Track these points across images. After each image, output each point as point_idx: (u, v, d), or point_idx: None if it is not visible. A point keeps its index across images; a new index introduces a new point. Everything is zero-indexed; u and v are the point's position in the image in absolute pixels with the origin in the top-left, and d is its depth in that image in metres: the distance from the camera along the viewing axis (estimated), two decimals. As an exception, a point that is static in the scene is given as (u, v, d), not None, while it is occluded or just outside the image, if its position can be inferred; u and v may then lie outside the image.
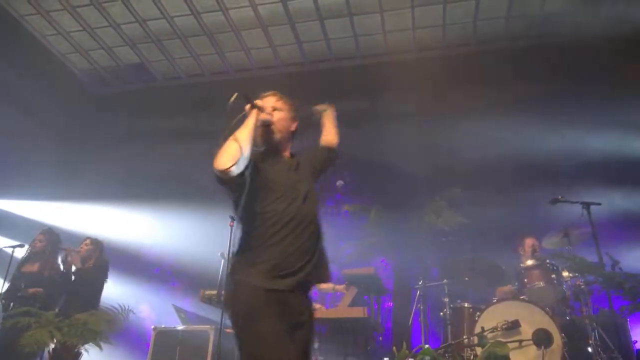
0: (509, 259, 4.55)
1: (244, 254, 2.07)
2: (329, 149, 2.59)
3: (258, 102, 2.18)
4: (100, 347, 3.90)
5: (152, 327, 4.59)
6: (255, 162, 2.10)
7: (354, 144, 5.97)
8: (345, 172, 5.94)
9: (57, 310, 4.28)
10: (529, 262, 4.32)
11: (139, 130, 7.22)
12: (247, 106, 2.14)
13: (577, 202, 4.00)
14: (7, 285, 4.51)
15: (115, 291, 4.80)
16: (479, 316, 3.96)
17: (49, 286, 4.45)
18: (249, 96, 2.15)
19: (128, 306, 4.13)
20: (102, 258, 4.74)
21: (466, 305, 4.24)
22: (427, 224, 5.25)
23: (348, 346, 4.25)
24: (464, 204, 5.27)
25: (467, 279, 4.37)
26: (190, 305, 5.23)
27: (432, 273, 4.72)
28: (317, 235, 2.14)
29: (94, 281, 4.60)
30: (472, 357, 3.84)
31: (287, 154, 2.31)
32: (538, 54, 5.74)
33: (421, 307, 4.40)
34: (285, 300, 1.95)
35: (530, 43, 5.97)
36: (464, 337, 4.02)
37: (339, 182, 5.75)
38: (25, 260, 4.62)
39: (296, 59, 6.73)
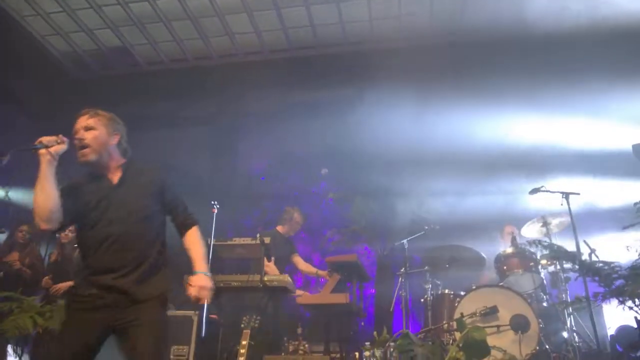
0: (489, 247, 4.63)
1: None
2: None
3: (42, 139, 2.13)
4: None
5: (136, 313, 4.57)
6: (69, 192, 2.19)
7: (339, 132, 6.00)
8: (330, 160, 5.96)
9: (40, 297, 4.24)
10: (508, 250, 4.41)
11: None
12: (33, 151, 2.11)
13: (556, 192, 4.08)
14: None
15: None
16: (458, 302, 4.03)
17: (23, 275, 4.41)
18: (25, 146, 2.13)
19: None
20: None
21: (446, 291, 4.32)
22: (409, 213, 5.31)
23: (331, 331, 4.30)
24: (446, 192, 5.33)
25: (447, 266, 4.44)
26: (174, 291, 5.21)
27: (414, 261, 4.78)
28: (130, 251, 2.17)
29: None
30: (451, 341, 3.92)
31: (109, 170, 2.29)
32: (522, 45, 5.78)
33: (403, 294, 4.47)
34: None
35: (514, 33, 5.99)
36: (444, 322, 4.10)
37: (324, 170, 5.77)
38: (4, 248, 4.57)
39: (281, 45, 6.65)
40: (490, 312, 3.83)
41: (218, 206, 3.85)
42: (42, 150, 2.09)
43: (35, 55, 6.73)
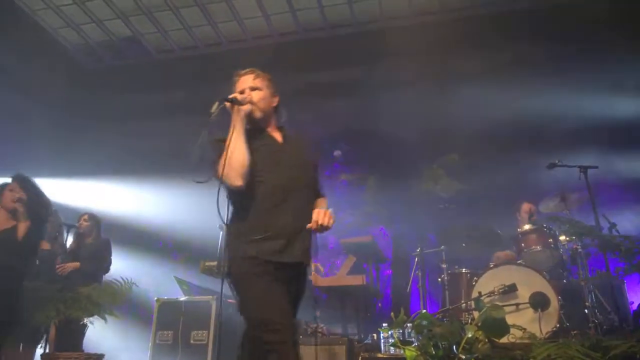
0: (506, 225, 4.57)
1: (234, 228, 2.18)
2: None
3: (236, 95, 2.17)
4: (105, 319, 3.98)
5: (155, 298, 4.68)
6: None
7: (351, 113, 5.93)
8: (343, 141, 5.91)
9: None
10: (526, 227, 4.34)
11: (135, 104, 7.14)
12: (228, 105, 2.14)
13: (574, 166, 3.98)
14: None
15: (118, 265, 4.86)
16: (476, 281, 4.00)
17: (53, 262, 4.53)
18: (227, 97, 2.14)
19: (131, 279, 4.19)
20: (100, 235, 4.79)
21: (464, 270, 4.28)
22: (424, 192, 5.25)
23: (348, 313, 4.34)
24: (461, 170, 5.25)
25: (464, 245, 4.40)
26: (192, 276, 5.30)
27: (430, 240, 4.75)
28: (305, 205, 2.14)
29: (95, 257, 4.66)
30: (469, 321, 3.90)
31: (271, 128, 2.31)
32: (536, 17, 5.59)
33: (419, 274, 4.46)
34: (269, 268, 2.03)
35: (528, 6, 5.80)
36: (462, 301, 4.08)
37: (337, 152, 5.73)
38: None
39: (290, 28, 6.58)
40: (509, 290, 3.79)
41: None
42: (237, 107, 2.13)
43: (47, 48, 6.80)
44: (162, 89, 7.00)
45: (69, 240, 4.86)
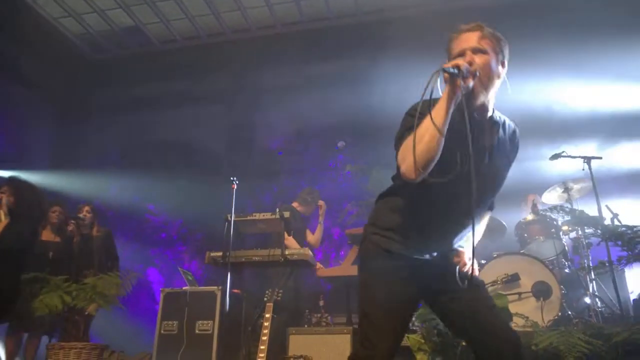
0: (510, 215, 4.59)
1: (382, 207, 1.83)
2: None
3: (458, 63, 1.51)
4: (109, 309, 4.01)
5: (161, 289, 4.72)
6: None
7: (355, 104, 5.92)
8: (347, 132, 5.91)
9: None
10: (529, 217, 4.37)
11: (138, 95, 7.14)
12: (446, 77, 1.53)
13: (578, 157, 3.99)
14: None
15: (123, 256, 4.90)
16: (480, 270, 4.03)
17: (61, 255, 4.56)
18: (445, 68, 1.50)
19: (135, 270, 4.23)
20: (102, 227, 4.81)
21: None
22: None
23: (352, 302, 4.37)
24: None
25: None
26: (197, 267, 5.35)
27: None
28: (467, 222, 1.65)
29: (109, 247, 4.69)
30: (472, 309, 3.95)
31: (484, 115, 1.70)
32: (536, 6, 5.56)
33: (423, 264, 4.48)
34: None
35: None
36: (466, 290, 4.11)
37: (341, 143, 5.72)
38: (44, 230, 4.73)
39: (294, 18, 6.55)
40: (512, 280, 3.83)
41: (237, 182, 3.88)
42: (456, 79, 1.49)
43: (48, 38, 6.77)
44: (164, 79, 6.99)
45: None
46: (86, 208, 4.77)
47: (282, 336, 3.90)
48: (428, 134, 1.50)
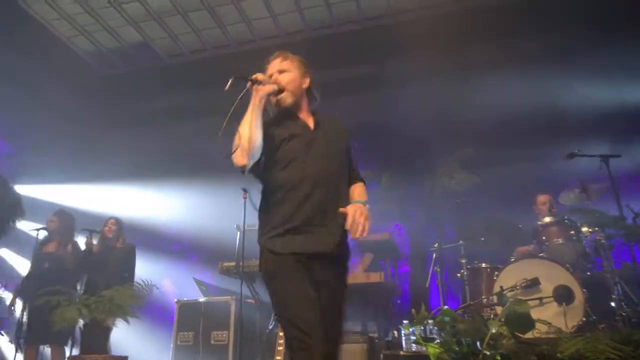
0: (526, 218, 4.49)
1: (262, 220, 2.10)
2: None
3: (257, 75, 2.08)
4: (127, 321, 4.01)
5: (175, 300, 4.71)
6: (267, 130, 2.05)
7: (363, 109, 5.88)
8: (354, 138, 5.86)
9: (79, 288, 4.41)
10: (547, 219, 4.26)
11: (148, 108, 7.23)
12: (248, 84, 2.04)
13: (595, 156, 3.88)
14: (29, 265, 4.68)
15: (138, 268, 4.90)
16: (497, 276, 3.94)
17: (65, 265, 4.58)
18: (245, 74, 2.05)
19: (151, 281, 4.23)
20: (127, 241, 4.86)
21: (483, 265, 4.22)
22: (440, 187, 5.19)
23: (367, 310, 4.31)
24: (477, 163, 5.17)
25: (483, 239, 4.34)
26: (210, 277, 5.33)
27: (448, 235, 4.69)
28: (334, 196, 2.03)
29: (127, 260, 4.72)
30: (492, 316, 3.84)
31: (303, 114, 2.21)
32: (546, 6, 5.47)
33: (438, 270, 4.41)
34: (301, 263, 1.92)
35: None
36: (483, 297, 4.02)
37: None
38: (43, 241, 4.76)
39: (297, 27, 6.55)
40: (532, 285, 3.73)
41: (248, 192, 3.87)
42: (257, 86, 2.04)
43: (62, 57, 6.88)
44: (173, 92, 7.05)
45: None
46: (111, 221, 4.84)
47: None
48: (245, 125, 1.99)
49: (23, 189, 6.73)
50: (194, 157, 6.49)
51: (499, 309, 3.68)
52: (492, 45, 5.53)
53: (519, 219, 4.43)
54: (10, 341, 4.46)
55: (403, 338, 3.83)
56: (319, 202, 2.00)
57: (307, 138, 2.10)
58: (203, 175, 6.09)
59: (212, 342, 4.43)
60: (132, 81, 7.31)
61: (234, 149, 1.98)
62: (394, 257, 4.46)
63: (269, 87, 2.08)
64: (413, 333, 3.76)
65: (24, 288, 4.52)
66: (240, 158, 1.98)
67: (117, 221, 4.92)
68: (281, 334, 3.64)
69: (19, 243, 5.46)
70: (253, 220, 4.11)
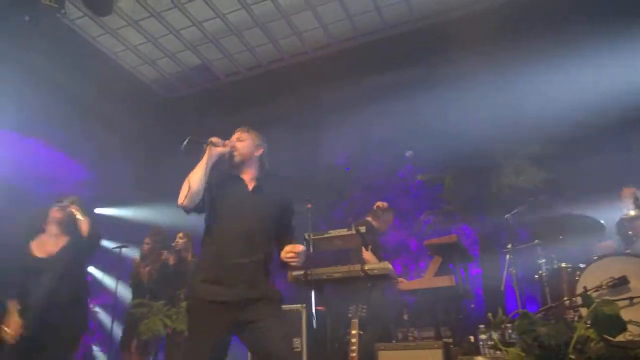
0: (607, 212, 4.19)
1: (198, 265, 2.53)
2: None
3: (213, 139, 2.49)
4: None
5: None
6: (211, 185, 2.46)
7: (419, 112, 5.79)
8: (413, 141, 5.78)
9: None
10: (632, 213, 3.96)
11: (207, 127, 7.52)
12: (205, 145, 2.46)
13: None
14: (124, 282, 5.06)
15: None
16: (579, 275, 3.71)
17: (158, 280, 4.87)
18: (197, 138, 2.48)
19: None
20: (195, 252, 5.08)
21: (563, 265, 3.99)
22: (507, 186, 4.97)
23: (439, 315, 4.21)
24: (547, 159, 4.90)
25: (561, 237, 4.10)
26: (280, 286, 5.43)
27: (520, 235, 4.47)
28: (254, 251, 2.38)
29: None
30: (576, 318, 3.62)
31: (247, 176, 2.56)
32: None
33: (513, 271, 4.21)
34: (215, 309, 2.27)
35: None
36: (565, 298, 3.80)
37: (409, 153, 5.62)
38: (140, 261, 5.15)
39: (348, 34, 6.62)
40: (619, 283, 3.46)
41: (312, 202, 3.92)
42: (210, 147, 2.47)
43: (128, 85, 7.38)
44: (231, 109, 7.33)
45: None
46: (179, 234, 5.11)
47: (369, 352, 3.83)
48: (192, 173, 2.42)
49: (103, 211, 7.34)
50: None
51: (583, 311, 3.45)
52: (553, 34, 5.23)
53: (600, 214, 4.14)
54: (102, 351, 4.79)
55: (480, 343, 3.71)
56: (234, 259, 2.34)
57: (242, 197, 2.48)
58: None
59: (287, 350, 4.49)
60: (192, 103, 7.69)
61: (181, 192, 2.39)
62: (464, 260, 4.33)
63: (221, 149, 2.50)
64: (490, 338, 3.62)
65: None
66: (181, 198, 2.38)
67: (185, 234, 5.15)
68: (353, 340, 3.64)
69: (103, 261, 5.88)
70: (319, 229, 4.17)
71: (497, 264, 4.32)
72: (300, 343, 4.39)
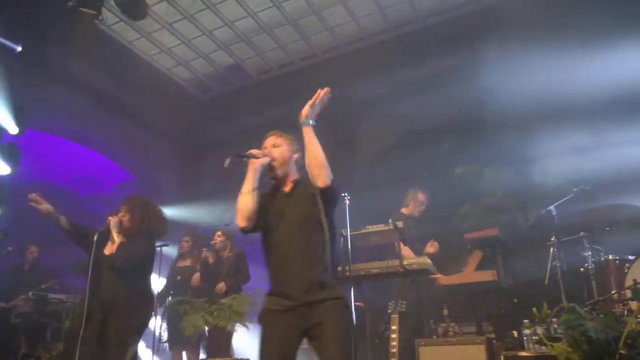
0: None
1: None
2: (320, 190, 2.41)
3: (252, 151, 2.48)
4: (246, 326, 4.29)
5: (287, 305, 4.92)
6: (264, 204, 2.43)
7: (457, 101, 5.67)
8: (452, 132, 5.67)
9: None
10: (687, 202, 3.77)
11: (241, 126, 7.63)
12: (245, 159, 2.44)
13: None
14: (164, 279, 5.25)
15: (252, 275, 5.20)
16: (628, 268, 3.58)
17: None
18: (239, 153, 2.46)
19: (264, 289, 4.47)
20: (235, 248, 5.20)
21: (611, 257, 3.85)
22: (551, 176, 4.80)
23: (480, 310, 4.16)
24: (594, 146, 4.69)
25: (608, 229, 3.95)
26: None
27: (565, 227, 4.32)
28: (303, 254, 2.32)
29: (237, 266, 5.06)
30: (625, 312, 3.50)
31: (287, 186, 2.53)
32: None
33: (557, 264, 4.09)
34: (282, 317, 2.26)
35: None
36: (613, 292, 3.67)
37: (445, 145, 5.52)
38: (177, 258, 5.30)
39: (380, 27, 6.56)
40: (672, 276, 3.32)
41: (349, 197, 3.93)
42: (252, 160, 2.46)
43: (164, 87, 7.57)
44: (265, 107, 7.39)
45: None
46: (217, 233, 5.25)
47: (409, 348, 3.82)
48: (243, 193, 2.39)
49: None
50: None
51: (633, 305, 3.34)
52: (604, 15, 4.91)
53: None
54: (147, 346, 4.99)
55: (524, 338, 3.64)
56: (289, 268, 2.31)
57: (282, 205, 2.45)
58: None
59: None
60: (225, 102, 7.82)
61: (237, 214, 2.38)
62: (506, 253, 4.24)
63: (262, 160, 2.47)
64: (535, 333, 3.55)
65: (159, 298, 5.06)
66: (239, 221, 2.37)
67: (223, 233, 5.27)
68: (393, 336, 3.65)
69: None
70: (353, 224, 4.18)
71: (541, 258, 4.19)
72: (340, 338, 4.42)
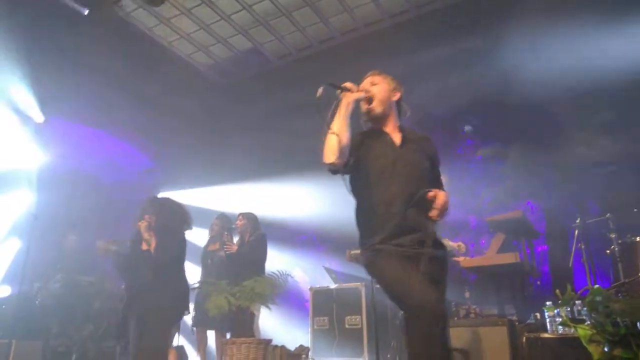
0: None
1: (360, 231, 2.30)
2: (435, 154, 2.45)
3: (347, 84, 2.27)
4: (269, 308, 4.38)
5: (309, 287, 5.02)
6: (358, 143, 2.26)
7: (478, 84, 5.56)
8: (471, 115, 5.57)
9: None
10: None
11: (262, 110, 7.66)
12: (337, 92, 2.25)
13: None
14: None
15: (273, 259, 5.30)
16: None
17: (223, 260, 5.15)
18: (335, 83, 2.25)
19: (286, 271, 4.56)
20: (258, 231, 5.28)
21: (638, 239, 3.77)
22: (577, 158, 4.69)
23: (503, 293, 4.14)
24: (621, 127, 4.56)
25: (636, 210, 3.87)
26: (338, 265, 5.55)
27: (590, 209, 4.25)
28: (411, 217, 2.15)
29: (253, 251, 5.15)
30: (652, 295, 3.44)
31: (390, 128, 2.36)
32: None
33: (582, 247, 4.04)
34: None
35: None
36: (640, 274, 3.61)
37: (468, 128, 5.45)
38: (209, 242, 5.45)
39: (400, 7, 6.41)
40: None
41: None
42: (346, 93, 2.26)
43: (184, 73, 7.63)
44: (284, 91, 7.37)
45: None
46: (239, 217, 5.34)
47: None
48: (337, 130, 2.16)
49: (171, 195, 7.76)
50: (311, 151, 6.74)
51: (661, 288, 3.28)
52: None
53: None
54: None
55: (547, 320, 3.62)
56: (401, 219, 2.15)
57: (393, 157, 2.26)
58: (322, 168, 6.31)
59: (347, 326, 4.65)
60: (245, 86, 7.83)
61: (325, 149, 2.17)
62: (529, 236, 4.20)
63: (358, 94, 2.28)
64: (558, 315, 3.53)
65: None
66: (329, 155, 2.15)
67: (244, 216, 5.35)
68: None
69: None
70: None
71: (566, 240, 4.14)
72: (360, 320, 4.50)
